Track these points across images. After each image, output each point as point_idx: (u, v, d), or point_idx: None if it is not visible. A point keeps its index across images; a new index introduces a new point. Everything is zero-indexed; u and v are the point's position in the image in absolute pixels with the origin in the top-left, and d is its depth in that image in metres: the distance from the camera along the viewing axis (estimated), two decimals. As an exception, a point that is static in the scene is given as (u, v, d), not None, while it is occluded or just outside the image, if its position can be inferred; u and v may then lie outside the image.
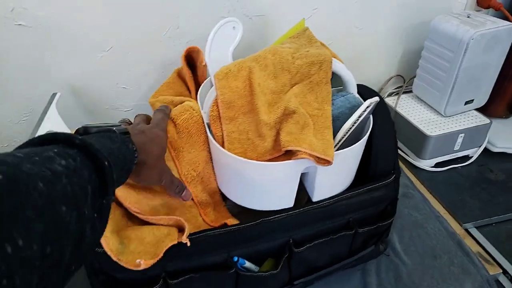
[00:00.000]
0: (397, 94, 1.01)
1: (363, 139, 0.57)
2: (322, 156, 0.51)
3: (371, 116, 0.61)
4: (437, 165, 0.93)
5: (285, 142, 0.53)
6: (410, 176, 0.91)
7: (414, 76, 0.99)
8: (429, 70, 0.93)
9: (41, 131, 0.71)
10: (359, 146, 0.57)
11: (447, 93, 0.89)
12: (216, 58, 0.67)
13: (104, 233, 0.50)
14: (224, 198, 0.67)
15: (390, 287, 0.68)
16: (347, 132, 0.57)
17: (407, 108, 0.97)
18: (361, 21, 0.94)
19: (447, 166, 0.93)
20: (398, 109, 0.97)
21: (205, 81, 0.68)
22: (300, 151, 0.51)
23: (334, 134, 0.56)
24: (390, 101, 1.00)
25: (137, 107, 0.89)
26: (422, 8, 0.97)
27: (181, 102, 0.63)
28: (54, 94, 0.77)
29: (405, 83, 1.05)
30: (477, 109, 0.95)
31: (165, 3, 0.77)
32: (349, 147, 0.55)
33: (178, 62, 0.85)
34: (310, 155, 0.51)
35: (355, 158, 0.60)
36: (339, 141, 0.57)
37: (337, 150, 0.55)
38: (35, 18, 0.71)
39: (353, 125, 0.57)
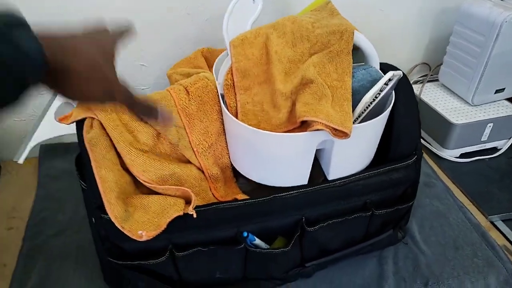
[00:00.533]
0: (422, 82, 0.97)
1: (384, 114, 0.54)
2: (340, 128, 0.48)
3: (393, 92, 0.58)
4: (463, 156, 0.89)
5: (301, 112, 0.50)
6: (433, 165, 0.87)
7: (441, 64, 0.94)
8: (457, 56, 0.89)
9: (55, 105, 0.71)
10: (379, 121, 0.54)
11: (476, 80, 0.85)
12: (234, 31, 0.65)
13: (110, 199, 0.49)
14: (236, 176, 0.65)
15: (407, 275, 0.64)
16: (367, 106, 0.54)
17: (432, 96, 0.93)
18: (385, 2, 0.90)
19: (474, 157, 0.88)
20: (423, 97, 0.92)
21: (221, 54, 0.66)
22: (317, 121, 0.49)
23: (354, 108, 0.53)
24: (414, 88, 0.96)
25: (155, 85, 0.88)
26: (452, -8, 0.93)
27: (198, 73, 0.61)
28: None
29: (431, 71, 1.00)
30: (509, 99, 0.90)
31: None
32: (369, 121, 0.52)
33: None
34: (327, 126, 0.48)
35: (374, 135, 0.57)
36: (359, 115, 0.54)
37: (356, 124, 0.53)
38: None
39: (374, 99, 0.54)
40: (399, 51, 1.00)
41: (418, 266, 0.66)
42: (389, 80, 0.52)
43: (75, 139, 0.90)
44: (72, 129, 0.65)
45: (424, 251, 0.68)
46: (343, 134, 0.49)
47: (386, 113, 0.55)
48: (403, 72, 0.60)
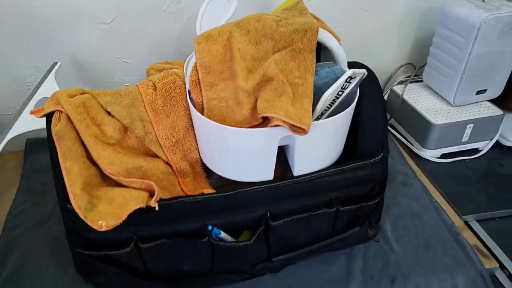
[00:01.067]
0: (406, 82, 0.97)
1: (345, 111, 0.54)
2: (297, 124, 0.49)
3: (358, 90, 0.59)
4: (443, 156, 0.89)
5: (262, 109, 0.51)
6: (413, 165, 0.87)
7: (425, 65, 0.95)
8: (440, 57, 0.89)
9: (37, 98, 0.73)
10: (340, 118, 0.54)
11: (457, 81, 0.85)
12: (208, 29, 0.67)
13: (74, 190, 0.51)
14: (210, 172, 0.66)
15: (375, 273, 0.65)
16: (330, 105, 0.55)
17: (415, 96, 0.93)
18: (369, 3, 0.91)
19: (454, 158, 0.88)
20: (405, 97, 0.93)
21: (192, 52, 0.67)
22: (275, 117, 0.50)
23: (316, 105, 0.54)
24: (398, 89, 0.96)
25: (138, 81, 0.89)
26: (436, -8, 0.93)
27: (171, 69, 0.63)
28: (54, 63, 0.79)
29: (415, 71, 1.01)
30: (491, 101, 0.90)
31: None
32: (328, 118, 0.53)
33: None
34: (285, 122, 0.49)
35: (336, 132, 0.58)
36: (322, 112, 0.55)
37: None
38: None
39: (337, 97, 0.55)
40: (385, 51, 1.01)
41: (387, 264, 0.66)
42: (350, 78, 0.53)
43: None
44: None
45: (395, 249, 0.68)
46: (302, 130, 0.50)
47: (348, 110, 0.55)
48: (370, 70, 0.61)
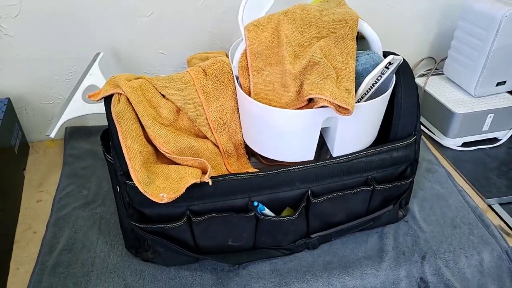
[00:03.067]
0: (427, 75, 1.01)
1: (384, 94, 0.58)
2: (343, 104, 0.53)
3: (394, 77, 0.63)
4: (464, 145, 0.93)
5: (308, 91, 0.55)
6: (436, 153, 0.91)
7: (445, 58, 0.98)
8: (461, 50, 0.93)
9: (83, 86, 0.77)
10: (380, 101, 0.58)
11: (478, 72, 0.89)
12: (249, 19, 0.71)
13: (134, 166, 0.55)
14: (249, 155, 0.70)
15: (407, 250, 0.69)
16: (370, 88, 0.59)
17: (437, 88, 0.97)
18: (393, -1, 0.95)
19: (475, 146, 0.92)
20: (427, 89, 0.97)
21: (235, 42, 0.71)
22: (321, 98, 0.54)
23: (357, 89, 0.58)
24: (419, 81, 1.00)
25: (174, 72, 0.93)
26: (457, -12, 0.97)
27: (215, 58, 0.67)
28: (97, 54, 0.84)
29: (435, 65, 1.05)
30: (510, 92, 0.94)
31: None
32: (370, 101, 0.57)
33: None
34: (331, 103, 0.53)
35: (375, 114, 0.62)
36: (362, 95, 0.59)
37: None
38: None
39: (376, 81, 0.59)
40: (406, 45, 1.05)
41: (417, 241, 0.70)
42: (390, 64, 0.57)
43: (97, 122, 0.96)
44: (97, 109, 0.71)
45: (424, 228, 0.72)
46: (346, 111, 0.54)
47: (387, 94, 0.59)
48: (403, 58, 0.64)
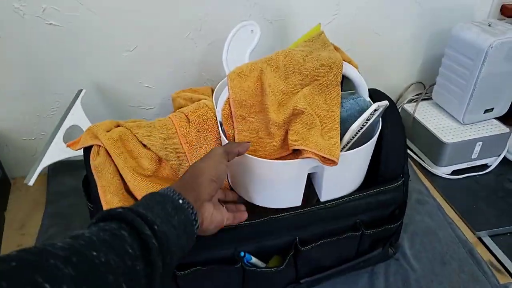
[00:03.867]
0: (417, 101, 1.00)
1: (370, 141, 0.58)
2: (328, 156, 0.52)
3: (380, 119, 0.62)
4: (454, 173, 0.92)
5: (293, 142, 0.54)
6: (426, 183, 0.91)
7: (434, 83, 0.98)
8: (449, 77, 0.92)
9: (65, 126, 0.75)
10: (366, 148, 0.57)
11: (466, 101, 0.89)
12: (233, 60, 0.70)
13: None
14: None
15: (397, 291, 0.68)
16: (355, 135, 0.58)
17: (426, 115, 0.97)
18: (381, 27, 0.94)
19: (464, 174, 0.91)
20: (417, 116, 0.96)
21: (220, 82, 0.70)
22: (306, 150, 0.53)
23: (342, 135, 0.57)
24: (409, 107, 1.00)
25: (159, 105, 0.93)
26: (444, 16, 0.97)
27: (199, 100, 0.66)
28: (80, 91, 0.82)
29: (425, 90, 1.04)
30: (498, 119, 0.94)
31: (189, 5, 0.80)
32: (355, 149, 0.56)
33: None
34: (316, 154, 0.52)
35: (362, 160, 0.61)
36: (347, 142, 0.58)
37: (344, 151, 0.56)
38: (64, 18, 0.75)
39: (361, 128, 0.58)
40: (395, 71, 1.04)
41: (408, 281, 0.69)
42: (375, 110, 0.56)
43: (82, 157, 0.94)
44: (79, 152, 0.69)
45: (414, 266, 0.72)
46: (331, 162, 0.53)
47: (373, 140, 0.58)
48: (390, 100, 0.64)
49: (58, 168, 0.92)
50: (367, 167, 0.64)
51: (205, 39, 0.85)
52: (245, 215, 0.57)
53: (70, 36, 0.78)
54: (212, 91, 0.79)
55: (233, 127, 0.59)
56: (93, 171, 0.56)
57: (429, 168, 0.93)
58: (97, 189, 0.56)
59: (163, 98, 0.91)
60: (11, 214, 0.83)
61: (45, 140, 0.75)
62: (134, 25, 0.80)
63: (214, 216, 0.50)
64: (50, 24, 0.76)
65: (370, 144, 0.58)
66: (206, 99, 0.66)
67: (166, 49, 0.85)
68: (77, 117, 0.77)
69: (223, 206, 0.55)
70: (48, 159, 0.70)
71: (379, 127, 0.61)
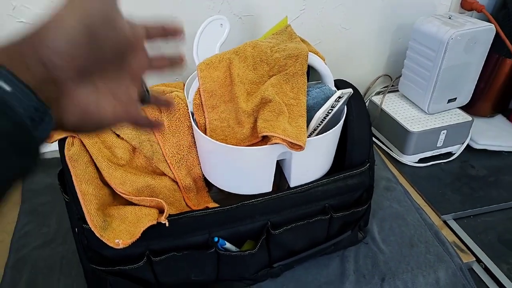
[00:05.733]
0: (384, 93, 1.04)
1: (335, 128, 0.60)
2: (295, 141, 0.55)
3: (345, 107, 0.65)
4: (421, 161, 0.96)
5: (261, 128, 0.56)
6: (394, 171, 0.94)
7: (400, 76, 1.02)
8: (413, 69, 0.96)
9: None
10: (332, 134, 0.60)
11: (430, 91, 0.93)
12: (204, 53, 0.71)
13: (90, 210, 0.54)
14: (209, 186, 0.71)
15: (367, 272, 0.71)
16: (321, 121, 0.61)
17: (393, 106, 1.00)
18: (347, 21, 0.98)
19: (430, 162, 0.96)
20: (384, 107, 1.00)
21: (191, 75, 0.72)
22: (275, 136, 0.55)
23: (309, 123, 0.60)
24: (376, 99, 1.04)
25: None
26: (407, 9, 1.01)
27: (171, 92, 0.67)
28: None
29: (391, 82, 1.08)
30: (463, 108, 0.99)
31: (158, 2, 0.82)
32: (321, 135, 0.59)
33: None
34: (284, 140, 0.55)
35: (328, 146, 0.63)
36: (314, 129, 0.61)
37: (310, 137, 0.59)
38: (35, 15, 0.76)
39: (327, 115, 0.61)
40: (363, 64, 1.08)
41: (377, 263, 0.72)
42: (339, 97, 0.59)
43: (56, 155, 0.94)
44: (54, 146, 0.70)
45: (383, 249, 0.75)
46: (298, 147, 0.56)
47: (338, 126, 0.61)
48: (355, 88, 0.67)
49: (32, 166, 0.92)
50: (334, 153, 0.66)
51: (176, 35, 0.87)
52: (160, 125, 0.40)
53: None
54: (184, 86, 0.81)
55: (204, 117, 0.61)
56: (68, 161, 0.56)
57: (397, 157, 0.97)
58: (72, 179, 0.57)
59: (137, 94, 0.92)
60: (-15, 213, 0.83)
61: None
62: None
63: (98, 106, 0.30)
64: (21, 22, 0.76)
65: (336, 130, 0.61)
66: (178, 92, 0.68)
67: (139, 45, 0.86)
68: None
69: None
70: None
71: (344, 114, 0.64)
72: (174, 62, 0.39)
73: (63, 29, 0.25)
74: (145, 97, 0.37)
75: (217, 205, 0.65)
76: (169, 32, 0.37)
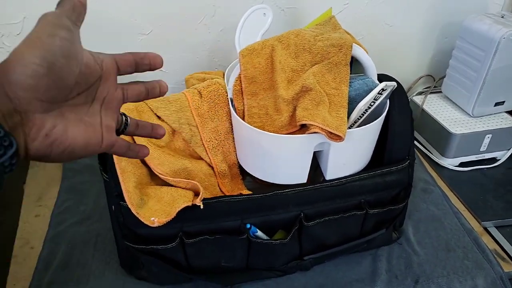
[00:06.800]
0: (426, 93, 1.01)
1: (377, 120, 0.59)
2: (334, 131, 0.54)
3: (388, 101, 0.63)
4: (462, 165, 0.92)
5: (300, 117, 0.56)
6: (432, 173, 0.91)
7: (444, 76, 0.99)
8: (459, 69, 0.93)
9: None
10: (372, 127, 0.59)
11: (476, 93, 0.89)
12: (245, 42, 0.72)
13: (128, 187, 0.55)
14: (243, 174, 0.71)
15: (399, 273, 0.69)
16: (363, 114, 0.60)
17: (435, 107, 0.97)
18: (392, 18, 0.95)
19: (472, 166, 0.92)
20: (425, 107, 0.97)
21: (232, 62, 0.72)
22: (314, 125, 0.54)
23: (350, 114, 0.59)
24: (418, 99, 1.00)
25: (172, 89, 0.95)
26: (457, 8, 0.97)
27: (211, 79, 0.68)
28: (97, 71, 0.85)
29: (434, 83, 1.05)
30: (509, 112, 0.94)
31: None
32: (362, 127, 0.58)
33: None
34: (323, 129, 0.54)
35: (368, 139, 0.62)
36: (355, 121, 0.59)
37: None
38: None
39: (369, 107, 0.59)
40: (405, 63, 1.05)
41: (410, 265, 0.70)
42: (383, 90, 0.57)
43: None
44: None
45: (417, 251, 0.72)
46: (338, 138, 0.55)
47: (379, 120, 0.60)
48: (398, 82, 0.65)
49: (73, 147, 0.95)
50: (373, 148, 0.65)
51: (218, 25, 0.88)
52: (146, 150, 0.41)
53: (89, 19, 0.81)
54: (224, 75, 0.81)
55: (243, 103, 0.61)
56: (109, 140, 0.58)
57: (436, 159, 0.94)
58: (112, 158, 0.58)
59: (176, 83, 0.94)
60: (29, 188, 0.86)
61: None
62: (151, 9, 0.83)
63: (66, 134, 0.31)
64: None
65: (377, 123, 0.59)
66: (219, 78, 0.68)
67: (180, 34, 0.87)
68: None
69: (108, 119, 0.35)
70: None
71: (386, 107, 0.62)
72: (152, 89, 0.39)
73: (23, 64, 0.28)
74: (124, 127, 0.39)
75: (250, 192, 0.65)
76: (143, 64, 0.37)
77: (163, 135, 0.42)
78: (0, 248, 0.70)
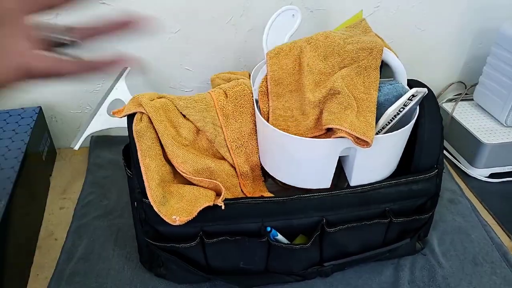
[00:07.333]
0: (456, 100, 0.98)
1: (405, 127, 0.57)
2: (361, 137, 0.52)
3: (417, 107, 0.61)
4: (492, 176, 0.89)
5: (327, 120, 0.55)
6: (460, 183, 0.88)
7: (476, 84, 0.95)
8: (493, 77, 0.90)
9: (109, 100, 0.79)
10: (400, 134, 0.57)
11: (511, 101, 0.86)
12: (273, 41, 0.71)
13: (151, 185, 0.56)
14: (264, 176, 0.70)
15: (422, 285, 0.66)
16: (392, 119, 0.58)
17: (465, 115, 0.94)
18: (424, 22, 0.93)
19: (504, 178, 0.88)
20: (455, 115, 0.94)
21: (259, 64, 0.71)
22: (340, 129, 0.53)
23: (378, 120, 0.57)
24: (447, 107, 0.97)
25: (198, 88, 0.96)
26: (493, 13, 0.94)
27: (237, 80, 0.68)
28: (124, 69, 0.86)
29: (465, 90, 1.01)
30: (544, 123, 0.90)
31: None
32: (390, 133, 0.56)
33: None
34: (350, 134, 0.53)
35: (395, 146, 0.60)
36: (383, 126, 0.58)
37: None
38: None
39: (398, 113, 0.58)
40: (436, 69, 1.02)
41: (434, 277, 0.68)
42: (413, 96, 0.56)
43: (121, 133, 0.98)
44: (121, 123, 0.73)
45: (442, 263, 0.70)
46: (365, 143, 0.53)
47: (408, 126, 0.58)
48: (429, 89, 0.63)
49: (98, 143, 0.97)
50: (400, 155, 0.63)
51: (245, 25, 0.87)
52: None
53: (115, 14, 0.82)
54: (250, 76, 0.81)
55: (268, 105, 0.60)
56: (135, 136, 0.58)
57: (465, 169, 0.91)
58: (137, 153, 0.59)
59: (202, 82, 0.94)
60: (55, 181, 0.88)
61: (90, 113, 0.80)
62: (180, 8, 0.83)
63: None
64: (103, 3, 0.80)
65: (405, 130, 0.58)
66: (245, 79, 0.68)
67: (207, 33, 0.87)
68: (121, 92, 0.80)
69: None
70: (93, 128, 0.74)
71: (416, 114, 0.60)
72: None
73: None
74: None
75: (272, 195, 0.64)
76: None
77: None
78: (25, 238, 0.72)
